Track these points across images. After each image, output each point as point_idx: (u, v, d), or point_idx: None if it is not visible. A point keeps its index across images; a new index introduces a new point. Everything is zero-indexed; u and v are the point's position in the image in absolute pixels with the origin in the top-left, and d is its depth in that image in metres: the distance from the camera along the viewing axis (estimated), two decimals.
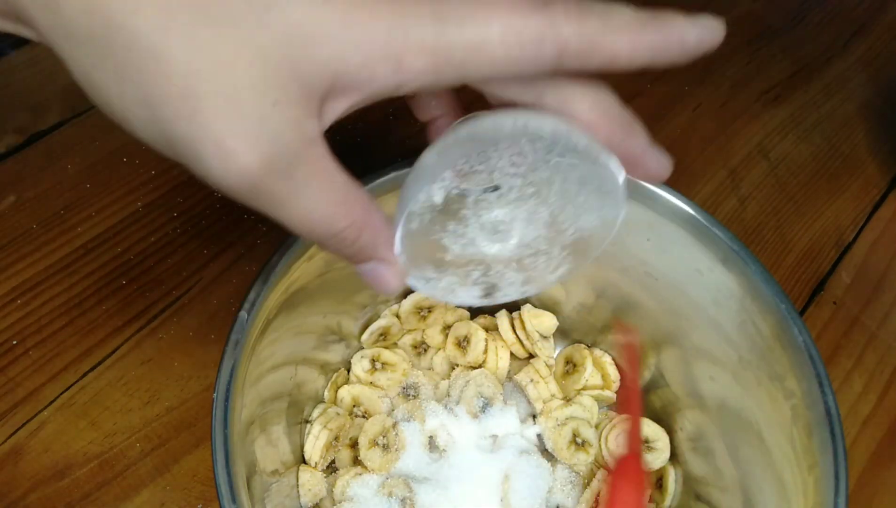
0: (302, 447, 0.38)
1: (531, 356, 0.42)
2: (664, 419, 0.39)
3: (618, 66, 0.20)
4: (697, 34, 0.20)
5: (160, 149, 0.18)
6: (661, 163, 0.23)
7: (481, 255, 0.26)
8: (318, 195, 0.19)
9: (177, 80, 0.16)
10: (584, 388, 0.41)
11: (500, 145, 0.23)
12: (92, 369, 0.41)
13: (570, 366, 0.41)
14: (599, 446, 0.39)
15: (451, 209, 0.25)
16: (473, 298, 0.27)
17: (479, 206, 0.25)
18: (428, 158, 0.22)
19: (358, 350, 0.41)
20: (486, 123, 0.22)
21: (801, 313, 0.49)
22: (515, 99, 0.22)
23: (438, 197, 0.24)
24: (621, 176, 0.22)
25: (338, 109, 0.19)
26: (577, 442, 0.39)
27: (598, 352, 0.42)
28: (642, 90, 0.59)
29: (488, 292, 0.27)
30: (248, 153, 0.17)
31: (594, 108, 0.21)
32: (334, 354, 0.40)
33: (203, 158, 0.17)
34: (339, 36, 0.17)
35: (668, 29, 0.20)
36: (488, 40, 0.18)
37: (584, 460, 0.39)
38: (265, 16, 0.17)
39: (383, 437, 0.38)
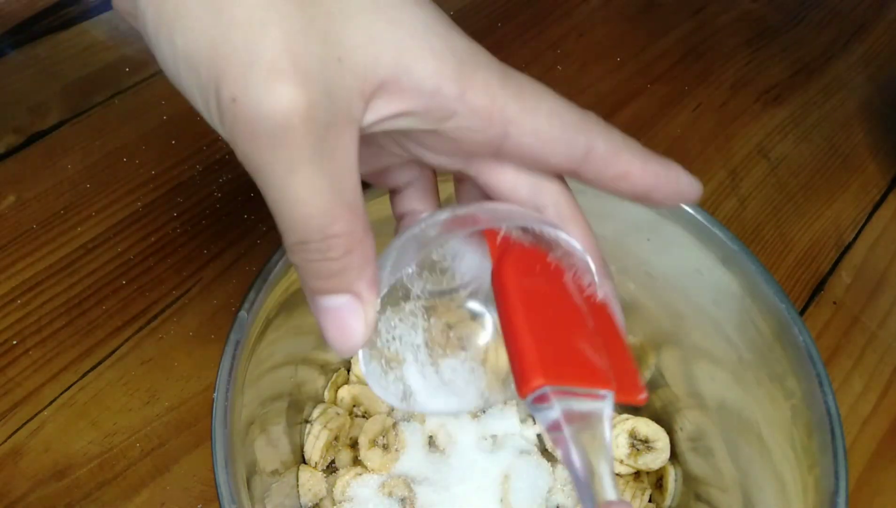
0: (302, 447, 0.38)
1: None
2: (664, 419, 0.39)
3: (626, 184, 0.22)
4: (689, 182, 0.22)
5: (194, 62, 0.17)
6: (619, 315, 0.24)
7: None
8: (332, 176, 0.17)
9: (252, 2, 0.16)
10: None
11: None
12: (92, 369, 0.41)
13: None
14: None
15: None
16: (393, 397, 0.23)
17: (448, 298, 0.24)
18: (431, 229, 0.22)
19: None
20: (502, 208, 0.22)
21: (801, 313, 0.49)
22: (517, 201, 0.23)
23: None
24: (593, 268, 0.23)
25: (387, 109, 0.18)
26: None
27: None
28: (642, 90, 0.59)
29: (405, 396, 0.23)
30: (300, 90, 0.16)
31: (586, 237, 0.23)
32: (334, 354, 0.40)
33: (250, 75, 0.16)
34: (419, 35, 0.18)
35: (670, 168, 0.22)
36: (538, 109, 0.20)
37: None
38: None
39: (383, 437, 0.38)
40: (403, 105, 0.18)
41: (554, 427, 0.19)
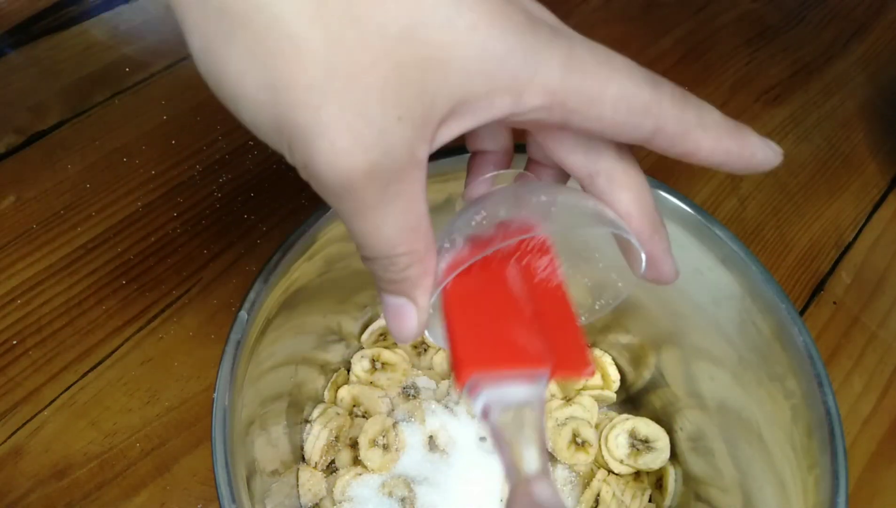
0: (302, 447, 0.38)
1: None
2: (664, 419, 0.39)
3: (694, 159, 0.22)
4: (764, 154, 0.23)
5: (263, 132, 0.19)
6: (672, 270, 0.24)
7: None
8: (396, 214, 0.20)
9: (311, 70, 0.17)
10: (584, 388, 0.41)
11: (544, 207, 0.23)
12: (92, 369, 0.41)
13: None
14: (599, 446, 0.39)
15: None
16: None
17: None
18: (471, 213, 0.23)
19: (358, 350, 0.41)
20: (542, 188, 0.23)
21: (801, 313, 0.49)
22: (570, 165, 0.23)
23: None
24: (643, 257, 0.23)
25: (451, 133, 0.20)
26: (577, 442, 0.39)
27: (597, 352, 0.42)
28: None
29: None
30: (359, 157, 0.18)
31: (635, 201, 0.23)
32: (334, 354, 0.40)
33: (312, 149, 0.18)
34: (474, 65, 0.18)
35: (745, 142, 0.22)
36: (603, 98, 0.20)
37: (583, 460, 0.39)
38: (411, 31, 0.17)
39: (383, 437, 0.38)
40: (472, 121, 0.19)
41: (483, 416, 0.21)
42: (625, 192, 0.23)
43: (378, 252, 0.21)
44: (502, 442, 0.21)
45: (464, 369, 0.21)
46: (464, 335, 0.22)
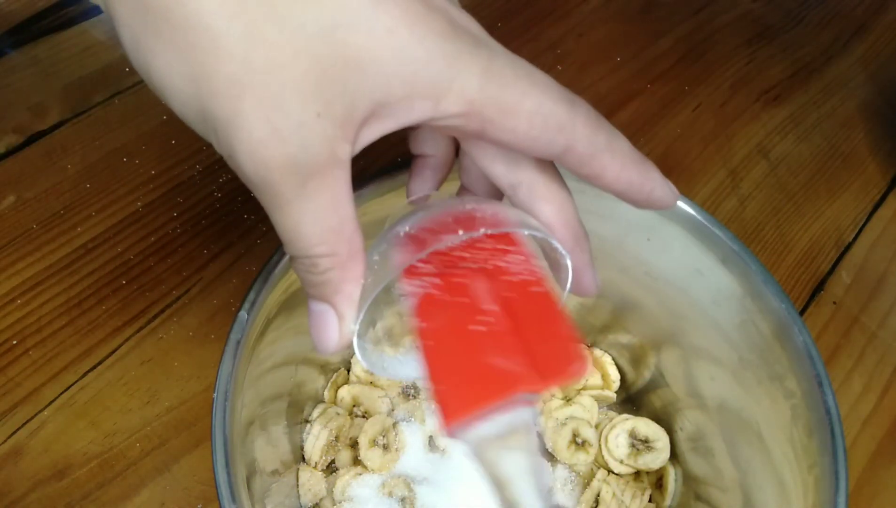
0: (302, 447, 0.38)
1: None
2: (664, 419, 0.39)
3: (598, 182, 0.22)
4: (663, 192, 0.23)
5: (190, 122, 0.19)
6: (592, 283, 0.25)
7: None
8: (316, 212, 0.20)
9: (230, 64, 0.17)
10: (584, 388, 0.41)
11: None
12: (92, 369, 0.41)
13: None
14: (599, 446, 0.39)
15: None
16: (411, 371, 0.25)
17: None
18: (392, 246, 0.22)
19: None
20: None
21: (801, 313, 0.49)
22: (492, 174, 0.23)
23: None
24: (569, 265, 0.24)
25: (372, 134, 0.20)
26: (577, 442, 0.39)
27: (597, 352, 0.42)
28: (642, 90, 0.59)
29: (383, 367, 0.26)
30: (276, 149, 0.18)
31: (557, 213, 0.23)
32: (334, 354, 0.40)
33: (232, 139, 0.18)
34: (392, 68, 0.18)
35: (647, 176, 0.22)
36: (519, 111, 0.20)
37: (584, 460, 0.39)
38: (331, 31, 0.17)
39: (383, 437, 0.38)
40: (393, 124, 0.20)
41: (473, 453, 0.21)
42: (546, 203, 0.23)
43: (297, 250, 0.21)
44: (495, 478, 0.20)
45: (451, 416, 0.19)
46: (444, 372, 0.21)
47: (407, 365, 0.25)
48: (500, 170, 0.23)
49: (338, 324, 0.22)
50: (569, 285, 0.24)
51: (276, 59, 0.17)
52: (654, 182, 0.23)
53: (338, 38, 0.18)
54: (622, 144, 0.22)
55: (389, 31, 0.18)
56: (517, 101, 0.20)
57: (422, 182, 0.26)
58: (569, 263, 0.23)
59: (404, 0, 0.18)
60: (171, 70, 0.18)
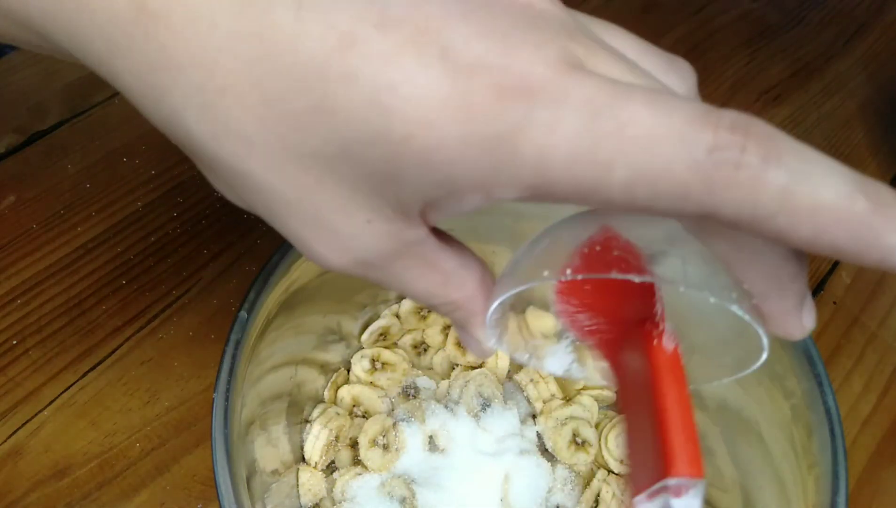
0: (302, 447, 0.38)
1: None
2: None
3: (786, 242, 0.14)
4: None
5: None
6: (799, 326, 0.18)
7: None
8: (415, 280, 0.20)
9: (262, 198, 0.17)
10: (584, 388, 0.41)
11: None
12: (92, 369, 0.41)
13: None
14: (599, 446, 0.39)
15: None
16: (560, 368, 0.25)
17: None
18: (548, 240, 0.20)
19: (358, 350, 0.41)
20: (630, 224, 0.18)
21: None
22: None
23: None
24: (765, 348, 0.19)
25: (440, 215, 0.18)
26: (577, 442, 0.39)
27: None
28: None
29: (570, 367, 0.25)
30: (342, 258, 0.18)
31: (768, 278, 0.17)
32: (334, 354, 0.40)
33: (302, 251, 0.19)
34: (433, 175, 0.15)
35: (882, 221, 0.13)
36: (605, 185, 0.14)
37: (583, 460, 0.39)
38: (360, 149, 0.15)
39: (383, 437, 0.38)
40: (454, 211, 0.17)
41: None
42: (756, 266, 0.17)
43: (419, 302, 0.22)
44: None
45: (678, 469, 0.18)
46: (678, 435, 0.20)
47: (555, 357, 0.25)
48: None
49: (476, 343, 0.23)
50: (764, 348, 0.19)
51: (304, 186, 0.17)
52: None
53: (366, 153, 0.16)
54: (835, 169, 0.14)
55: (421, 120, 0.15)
56: (598, 176, 0.14)
57: None
58: (765, 342, 0.19)
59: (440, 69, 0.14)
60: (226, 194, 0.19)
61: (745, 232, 0.14)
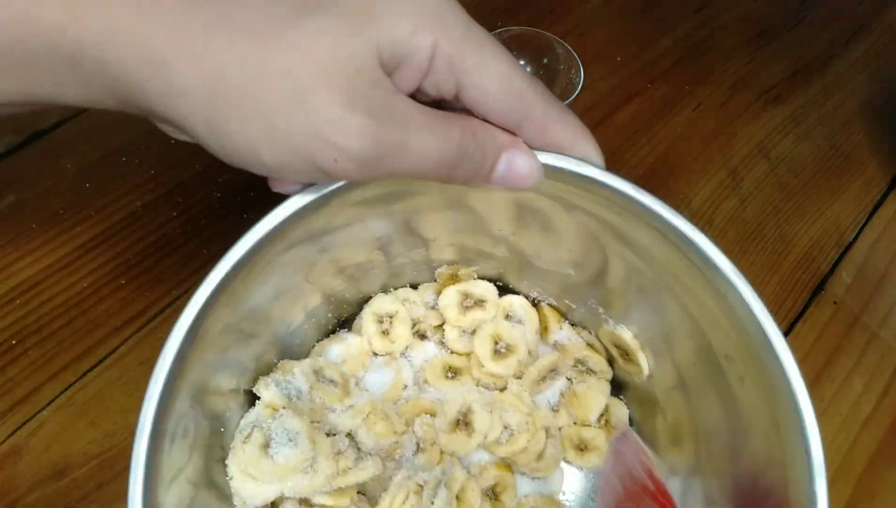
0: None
1: None
2: (648, 405, 0.39)
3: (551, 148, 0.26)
4: (595, 158, 0.26)
5: (284, 160, 0.23)
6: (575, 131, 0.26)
7: None
8: (422, 126, 0.22)
9: (287, 101, 0.21)
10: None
11: None
12: (91, 368, 0.41)
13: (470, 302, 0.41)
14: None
15: None
16: None
17: None
18: None
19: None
20: None
21: (802, 313, 0.49)
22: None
23: None
24: None
25: (401, 80, 0.23)
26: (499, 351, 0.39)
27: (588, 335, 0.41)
28: (642, 89, 0.59)
29: None
30: (360, 115, 0.21)
31: (501, 82, 0.24)
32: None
33: (330, 140, 0.21)
34: (400, 7, 0.22)
35: (586, 148, 0.26)
36: (490, 69, 0.23)
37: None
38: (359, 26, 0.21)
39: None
40: (412, 69, 0.23)
41: None
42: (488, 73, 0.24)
43: (449, 156, 0.23)
44: None
45: None
46: None
47: None
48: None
49: (524, 151, 0.25)
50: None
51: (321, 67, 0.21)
52: (588, 152, 0.26)
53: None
54: (573, 118, 0.25)
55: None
56: (489, 61, 0.23)
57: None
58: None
59: None
60: (251, 133, 0.23)
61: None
